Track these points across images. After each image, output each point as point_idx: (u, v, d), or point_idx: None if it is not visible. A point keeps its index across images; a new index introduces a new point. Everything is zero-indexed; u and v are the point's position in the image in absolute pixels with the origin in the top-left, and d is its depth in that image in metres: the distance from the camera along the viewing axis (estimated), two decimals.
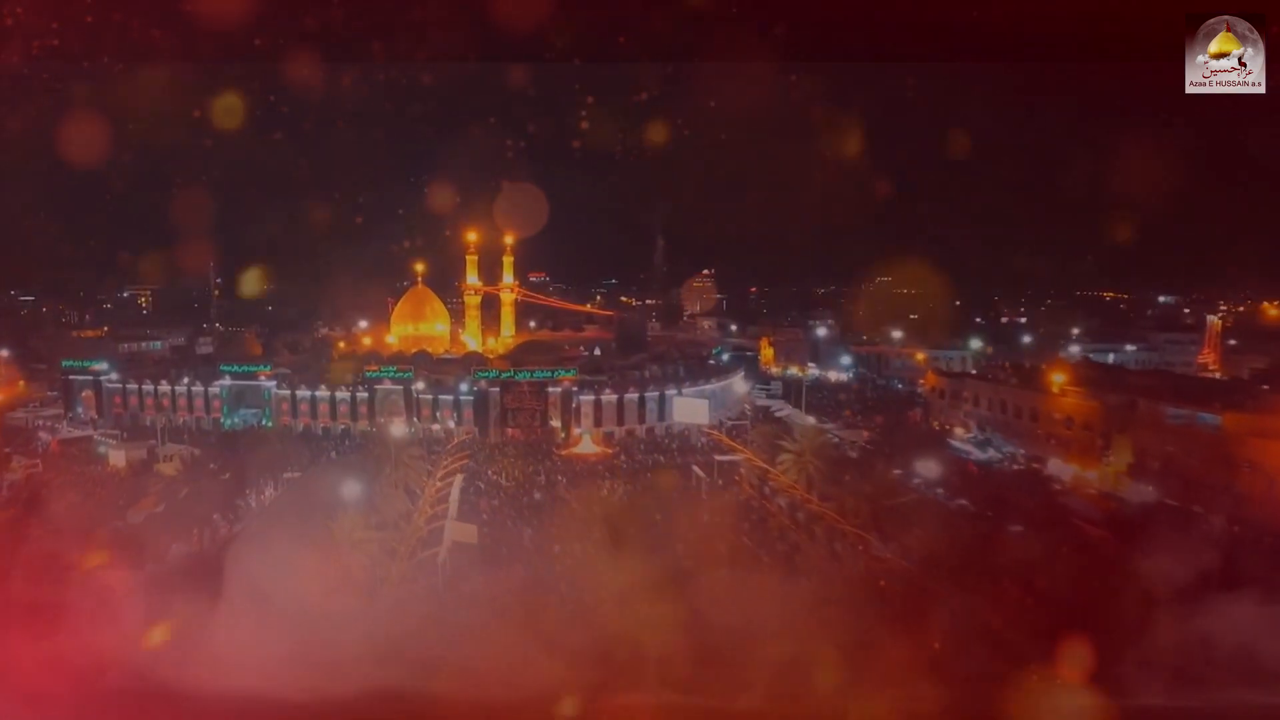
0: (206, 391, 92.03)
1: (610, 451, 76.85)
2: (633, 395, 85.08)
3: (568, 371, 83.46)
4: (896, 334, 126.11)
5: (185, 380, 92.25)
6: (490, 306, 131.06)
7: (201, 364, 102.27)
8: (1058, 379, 70.28)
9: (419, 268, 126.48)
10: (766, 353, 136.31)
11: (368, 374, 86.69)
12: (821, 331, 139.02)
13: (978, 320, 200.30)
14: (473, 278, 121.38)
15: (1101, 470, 61.84)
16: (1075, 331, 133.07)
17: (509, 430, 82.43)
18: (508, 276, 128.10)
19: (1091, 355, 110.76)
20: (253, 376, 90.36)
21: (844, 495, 50.47)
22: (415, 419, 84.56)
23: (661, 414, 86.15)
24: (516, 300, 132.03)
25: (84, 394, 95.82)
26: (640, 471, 69.28)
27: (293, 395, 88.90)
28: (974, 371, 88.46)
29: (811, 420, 79.81)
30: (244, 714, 30.37)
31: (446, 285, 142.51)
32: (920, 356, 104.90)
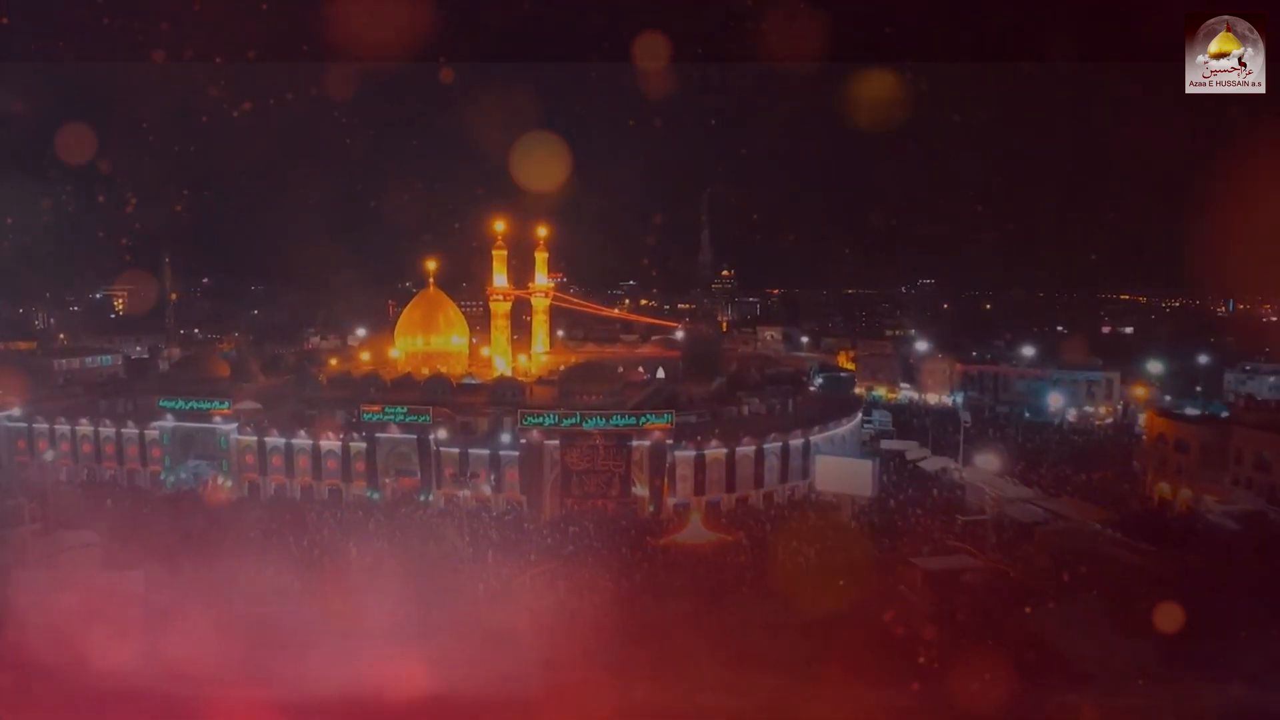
0: (143, 435, 66.60)
1: (730, 539, 51.07)
2: (747, 448, 59.28)
3: (661, 417, 57.10)
4: (1027, 350, 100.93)
5: (111, 420, 66.89)
6: (514, 314, 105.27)
7: (159, 389, 76.07)
8: None
9: (430, 265, 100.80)
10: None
11: (365, 416, 60.88)
12: (920, 346, 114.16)
13: (1060, 329, 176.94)
14: (501, 278, 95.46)
15: None
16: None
17: (570, 500, 56.80)
18: (541, 277, 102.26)
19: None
20: (205, 416, 64.71)
21: None
22: (434, 484, 58.83)
23: (785, 473, 60.60)
24: (550, 307, 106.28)
25: None
26: (798, 580, 43.61)
27: (260, 444, 63.28)
28: (1226, 415, 62.28)
29: (1018, 489, 54.22)
30: None
31: (456, 289, 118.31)
32: (1141, 392, 78.55)
